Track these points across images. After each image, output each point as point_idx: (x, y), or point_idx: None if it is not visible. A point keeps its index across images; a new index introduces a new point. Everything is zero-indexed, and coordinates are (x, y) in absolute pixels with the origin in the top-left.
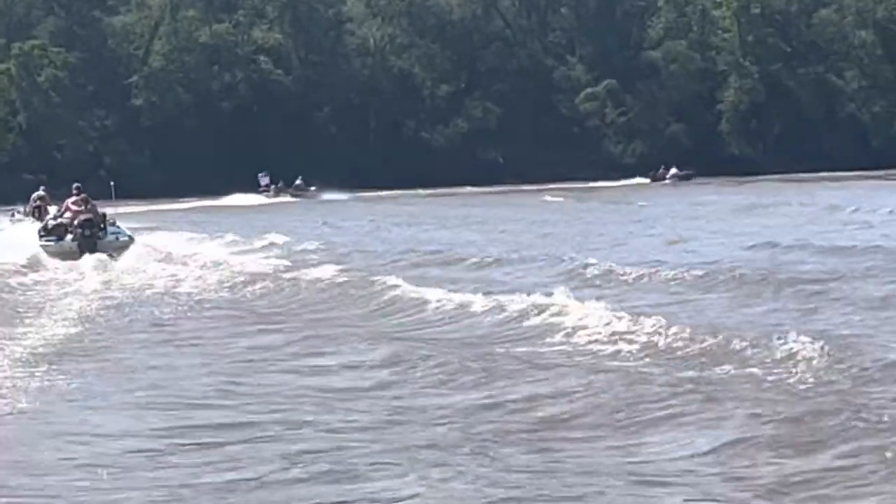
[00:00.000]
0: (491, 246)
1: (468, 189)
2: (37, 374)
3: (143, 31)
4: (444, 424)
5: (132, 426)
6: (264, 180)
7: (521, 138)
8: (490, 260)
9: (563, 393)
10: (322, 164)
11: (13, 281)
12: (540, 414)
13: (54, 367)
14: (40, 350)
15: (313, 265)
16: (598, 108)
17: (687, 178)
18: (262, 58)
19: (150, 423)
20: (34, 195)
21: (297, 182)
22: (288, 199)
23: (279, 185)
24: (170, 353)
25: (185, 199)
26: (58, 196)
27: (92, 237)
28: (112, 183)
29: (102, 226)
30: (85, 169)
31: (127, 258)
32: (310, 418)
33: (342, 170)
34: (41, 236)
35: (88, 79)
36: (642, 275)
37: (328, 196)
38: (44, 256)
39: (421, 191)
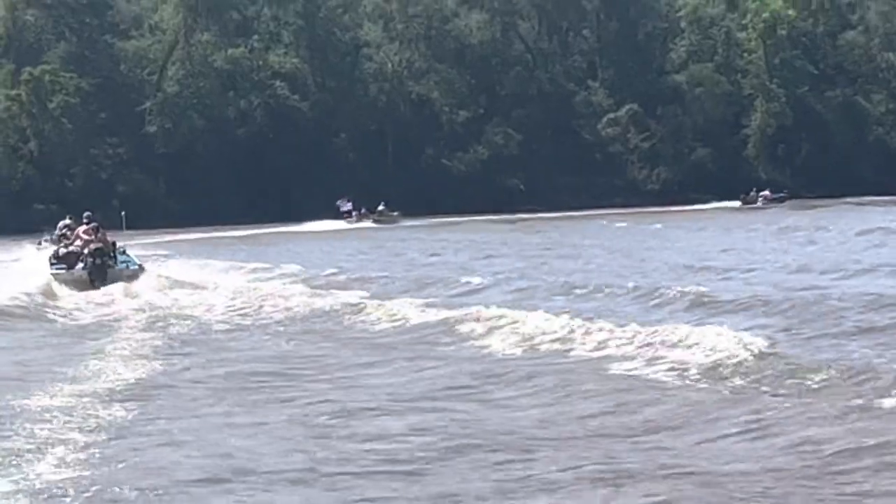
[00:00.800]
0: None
1: (516, 216)
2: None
3: (157, 56)
4: None
5: None
6: (346, 206)
7: (542, 165)
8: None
9: None
10: (339, 191)
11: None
12: None
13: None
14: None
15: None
16: (620, 133)
17: (780, 200)
18: (278, 83)
19: None
20: (60, 223)
21: (380, 208)
22: (370, 224)
23: (362, 210)
24: None
25: (266, 226)
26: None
27: (102, 266)
28: (123, 213)
29: (112, 254)
30: (98, 198)
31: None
32: None
33: (360, 197)
34: (52, 264)
35: (101, 105)
36: None
37: (409, 222)
38: (55, 285)
39: (480, 217)
